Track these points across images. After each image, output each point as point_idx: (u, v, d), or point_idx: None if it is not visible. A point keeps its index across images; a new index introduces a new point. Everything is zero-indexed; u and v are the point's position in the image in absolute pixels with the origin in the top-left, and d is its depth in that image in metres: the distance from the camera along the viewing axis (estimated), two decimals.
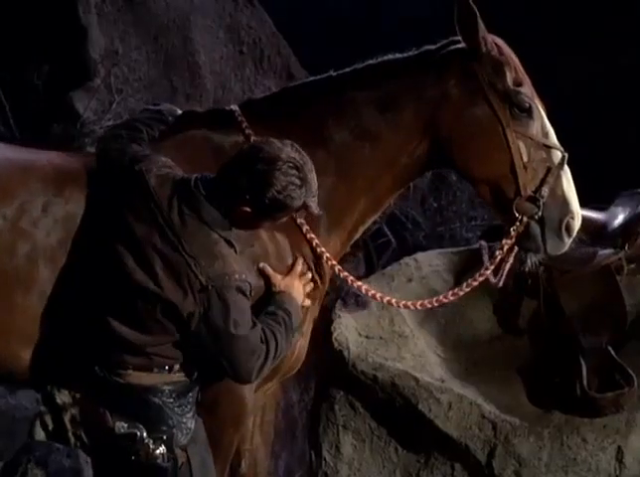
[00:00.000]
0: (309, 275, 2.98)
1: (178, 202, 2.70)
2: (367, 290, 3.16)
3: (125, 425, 2.72)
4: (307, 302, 2.97)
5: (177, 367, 2.75)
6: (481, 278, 3.17)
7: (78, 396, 4.96)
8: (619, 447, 3.73)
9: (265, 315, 2.81)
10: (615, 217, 3.96)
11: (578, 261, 3.82)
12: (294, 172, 2.66)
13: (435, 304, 3.18)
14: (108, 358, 2.76)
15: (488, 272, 3.17)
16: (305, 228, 3.01)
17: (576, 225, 3.07)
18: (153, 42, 8.04)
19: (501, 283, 3.27)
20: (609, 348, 3.76)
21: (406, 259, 4.20)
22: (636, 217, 3.91)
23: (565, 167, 3.07)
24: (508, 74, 3.02)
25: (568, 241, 3.08)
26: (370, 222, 3.20)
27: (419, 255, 4.24)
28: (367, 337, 3.89)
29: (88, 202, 2.92)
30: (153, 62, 7.94)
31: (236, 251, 2.73)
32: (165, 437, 2.72)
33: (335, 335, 3.87)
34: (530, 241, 3.06)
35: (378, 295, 3.17)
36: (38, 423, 5.55)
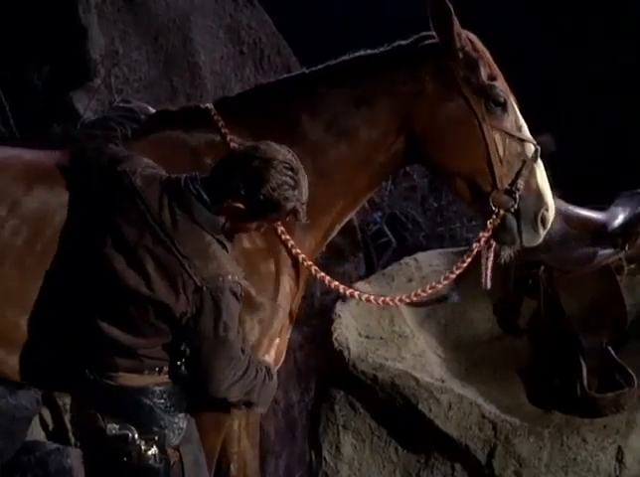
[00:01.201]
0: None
1: (168, 202, 2.68)
2: (344, 289, 3.16)
3: (117, 427, 2.72)
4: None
5: (167, 368, 2.75)
6: (458, 271, 3.18)
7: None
8: (619, 447, 3.73)
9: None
10: (615, 217, 3.97)
11: (579, 261, 3.82)
12: (289, 173, 2.66)
13: (414, 298, 3.21)
14: (99, 360, 2.75)
15: (464, 265, 3.16)
16: (280, 229, 2.98)
17: (551, 216, 3.09)
18: (153, 42, 8.04)
19: (489, 285, 3.27)
20: (609, 348, 3.76)
21: (407, 259, 4.21)
22: (636, 217, 3.91)
23: (539, 160, 3.08)
24: (482, 68, 3.03)
25: (543, 233, 3.10)
26: (346, 219, 3.18)
27: (420, 255, 4.24)
28: (367, 337, 3.89)
29: (62, 202, 2.89)
30: (153, 62, 7.94)
31: (228, 253, 2.72)
32: (157, 438, 2.72)
33: (335, 335, 3.87)
34: (506, 234, 3.08)
35: (356, 294, 3.19)
36: (38, 423, 5.55)
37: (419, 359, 3.86)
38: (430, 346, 3.94)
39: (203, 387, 2.72)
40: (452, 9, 2.95)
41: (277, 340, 3.08)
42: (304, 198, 2.71)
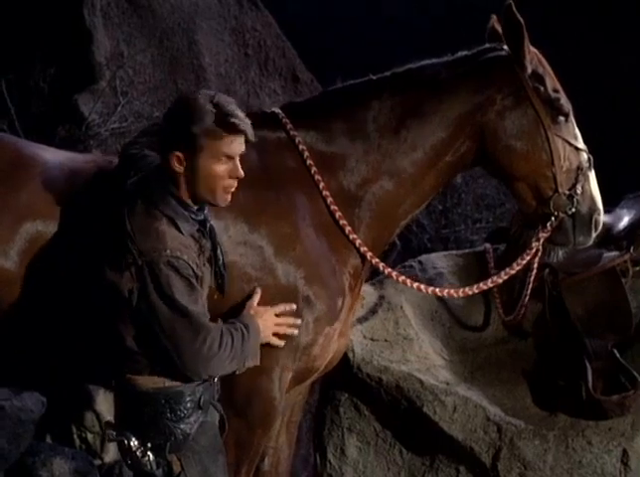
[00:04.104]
0: (287, 324, 2.96)
1: (138, 188, 2.75)
2: (411, 283, 3.34)
3: (114, 433, 2.72)
4: (275, 341, 2.95)
5: (159, 368, 2.71)
6: (517, 267, 3.41)
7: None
8: (624, 450, 3.71)
9: (224, 323, 2.80)
10: (620, 219, 3.96)
11: (584, 264, 3.82)
12: (208, 103, 2.68)
13: (476, 291, 3.45)
14: (100, 364, 2.79)
15: (524, 262, 3.41)
16: (348, 229, 3.10)
17: (602, 220, 3.37)
18: (158, 44, 8.05)
19: (516, 319, 3.65)
20: (614, 350, 3.75)
21: (411, 262, 4.20)
22: None
23: (592, 168, 3.33)
24: (548, 81, 3.25)
25: (594, 236, 3.37)
26: (410, 217, 3.35)
27: (424, 258, 4.24)
28: (372, 339, 3.88)
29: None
30: (158, 64, 7.95)
31: (180, 231, 2.70)
32: (155, 444, 2.70)
33: None
34: (562, 235, 3.34)
35: (422, 287, 3.37)
36: (43, 426, 5.55)
37: (424, 361, 3.86)
38: (435, 348, 3.94)
39: (182, 370, 2.68)
40: (523, 23, 3.15)
41: (336, 339, 3.14)
42: (231, 111, 2.70)
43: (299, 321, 2.98)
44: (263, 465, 3.26)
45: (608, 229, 3.91)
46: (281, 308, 2.96)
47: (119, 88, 7.38)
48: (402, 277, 3.31)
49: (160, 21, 8.10)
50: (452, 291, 3.43)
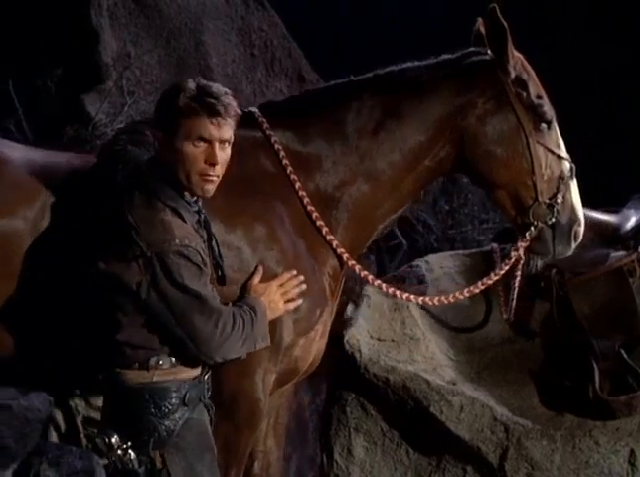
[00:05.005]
0: (294, 289, 2.94)
1: (132, 181, 2.73)
2: (387, 288, 3.26)
3: (95, 430, 2.72)
4: (289, 307, 2.93)
5: (153, 362, 2.69)
6: (495, 278, 3.34)
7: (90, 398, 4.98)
8: (632, 450, 3.71)
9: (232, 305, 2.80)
10: (628, 219, 3.96)
11: (591, 264, 3.82)
12: (192, 85, 2.67)
13: (452, 300, 3.36)
14: (87, 357, 2.77)
15: (502, 272, 3.34)
16: (325, 229, 3.05)
17: (582, 231, 3.28)
18: (165, 45, 8.06)
19: (512, 317, 3.56)
20: (622, 350, 3.75)
21: (418, 262, 4.21)
22: None
23: (574, 177, 3.25)
24: (531, 87, 3.18)
25: (574, 246, 3.28)
26: (389, 221, 3.27)
27: (431, 258, 4.24)
28: (378, 339, 3.88)
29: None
30: (165, 64, 7.96)
31: (183, 220, 2.69)
32: (138, 441, 2.68)
33: (347, 337, 3.87)
34: (541, 245, 3.25)
35: (397, 293, 3.28)
36: (50, 425, 5.56)
37: (431, 361, 3.85)
38: (442, 348, 3.94)
39: (198, 353, 2.67)
40: (507, 27, 3.10)
41: (317, 340, 3.11)
42: (211, 92, 2.67)
43: (302, 278, 2.95)
44: (254, 469, 3.24)
45: (616, 228, 3.91)
46: (283, 279, 2.92)
47: (126, 89, 7.38)
48: (378, 282, 3.23)
49: (167, 21, 8.11)
50: (427, 299, 3.37)
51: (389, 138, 3.12)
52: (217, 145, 2.67)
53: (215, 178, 2.70)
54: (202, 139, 2.66)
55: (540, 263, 3.55)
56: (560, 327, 3.83)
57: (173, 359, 2.71)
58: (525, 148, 3.14)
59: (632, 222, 3.92)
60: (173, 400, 2.70)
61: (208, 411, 2.82)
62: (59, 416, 5.65)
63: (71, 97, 7.35)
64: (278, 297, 2.90)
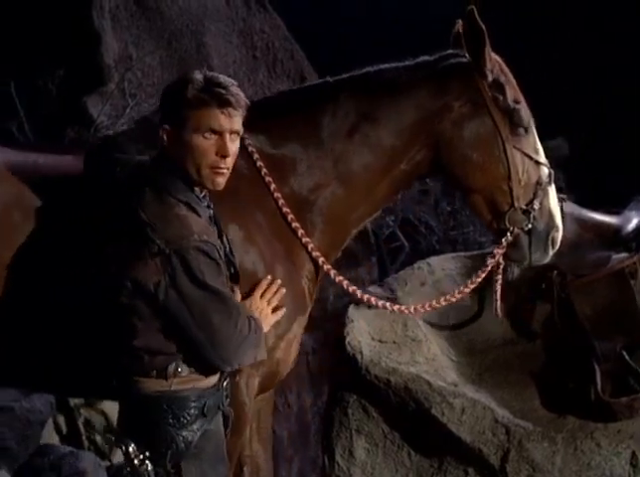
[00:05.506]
0: (276, 295, 2.87)
1: (137, 180, 2.65)
2: (362, 295, 3.21)
3: (113, 438, 2.66)
4: (275, 317, 2.87)
5: (172, 369, 2.60)
6: (472, 286, 3.30)
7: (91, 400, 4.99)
8: (633, 452, 3.71)
9: None
10: (629, 221, 3.96)
11: (592, 266, 3.81)
12: (199, 76, 2.61)
13: (428, 309, 3.33)
14: (107, 365, 2.68)
15: (478, 280, 3.29)
16: (301, 231, 3.00)
17: (559, 238, 3.22)
18: (167, 46, 8.07)
19: (500, 313, 3.44)
20: (623, 352, 3.75)
21: (420, 263, 4.20)
22: None
23: (552, 184, 3.20)
24: (508, 91, 3.12)
25: (552, 253, 3.22)
26: (363, 224, 3.22)
27: (433, 259, 4.24)
28: (380, 341, 3.88)
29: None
30: (167, 66, 7.97)
31: (198, 215, 2.62)
32: (155, 452, 2.60)
33: (348, 339, 3.87)
34: (517, 252, 3.20)
35: (372, 299, 3.24)
36: (52, 427, 5.57)
37: (432, 363, 3.86)
38: (443, 350, 3.94)
39: (215, 359, 2.59)
40: (485, 30, 3.04)
41: (296, 342, 3.08)
42: (219, 82, 2.61)
43: (279, 282, 2.87)
44: (243, 474, 3.21)
45: (617, 230, 3.91)
46: (262, 287, 2.86)
47: (128, 91, 7.39)
48: (353, 287, 3.17)
49: (168, 23, 8.12)
50: (403, 308, 3.32)
51: (364, 141, 3.06)
52: (228, 136, 2.60)
53: (226, 170, 2.63)
54: (212, 131, 2.59)
55: (516, 270, 3.49)
56: (561, 329, 3.83)
57: (191, 366, 2.62)
58: (501, 153, 3.09)
59: (633, 223, 3.92)
60: (192, 411, 2.62)
61: (227, 419, 2.75)
62: (60, 418, 5.66)
63: (72, 99, 7.36)
64: (264, 306, 2.84)
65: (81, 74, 7.47)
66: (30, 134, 6.91)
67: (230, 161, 2.63)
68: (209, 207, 2.71)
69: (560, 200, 3.63)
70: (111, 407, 5.70)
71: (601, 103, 9.36)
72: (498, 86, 3.10)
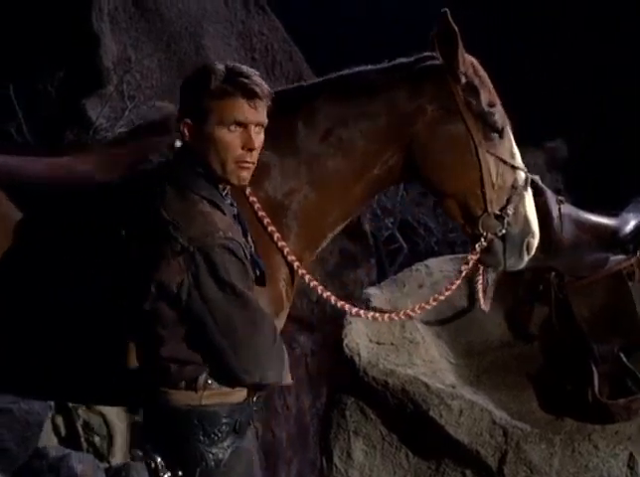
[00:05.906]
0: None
1: (157, 179, 2.56)
2: (336, 301, 3.14)
3: (140, 453, 2.50)
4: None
5: (202, 380, 2.46)
6: (447, 293, 3.25)
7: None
8: (631, 454, 3.71)
9: None
10: (627, 223, 3.96)
11: (590, 267, 3.82)
12: (221, 66, 2.54)
13: (402, 317, 3.27)
14: (137, 376, 2.55)
15: (453, 287, 3.25)
16: (277, 235, 2.96)
17: (535, 244, 3.15)
18: (165, 49, 8.08)
19: (487, 308, 3.42)
20: (621, 354, 3.75)
21: (418, 265, 4.20)
22: None
23: (529, 189, 3.14)
24: (483, 94, 3.06)
25: (527, 259, 3.16)
26: (339, 229, 3.17)
27: (431, 261, 4.24)
28: (378, 343, 3.89)
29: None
30: (166, 69, 7.98)
31: (222, 212, 2.50)
32: (182, 471, 2.46)
33: (346, 341, 3.87)
34: (491, 257, 3.15)
35: (347, 306, 3.17)
36: (50, 429, 5.57)
37: (430, 365, 3.86)
38: (441, 352, 3.94)
39: (231, 367, 2.44)
40: (458, 32, 2.99)
41: None
42: (242, 71, 2.53)
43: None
44: None
45: (615, 232, 3.91)
46: None
47: (127, 93, 7.40)
48: (327, 293, 3.10)
49: (167, 25, 8.13)
50: (377, 315, 3.26)
51: (337, 145, 3.01)
52: (253, 128, 2.51)
53: (252, 165, 2.54)
54: (237, 123, 2.49)
55: (492, 277, 3.47)
56: (559, 330, 3.83)
57: (218, 378, 2.48)
58: (474, 157, 3.02)
59: (631, 225, 3.92)
60: (223, 427, 2.47)
61: (256, 432, 2.71)
62: (59, 420, 5.66)
63: (71, 101, 7.37)
64: None
65: (80, 76, 7.48)
66: (29, 136, 6.92)
67: (255, 155, 2.54)
68: (232, 205, 2.63)
69: (559, 201, 3.64)
70: (110, 409, 5.70)
71: (601, 104, 9.36)
72: (472, 90, 3.04)
